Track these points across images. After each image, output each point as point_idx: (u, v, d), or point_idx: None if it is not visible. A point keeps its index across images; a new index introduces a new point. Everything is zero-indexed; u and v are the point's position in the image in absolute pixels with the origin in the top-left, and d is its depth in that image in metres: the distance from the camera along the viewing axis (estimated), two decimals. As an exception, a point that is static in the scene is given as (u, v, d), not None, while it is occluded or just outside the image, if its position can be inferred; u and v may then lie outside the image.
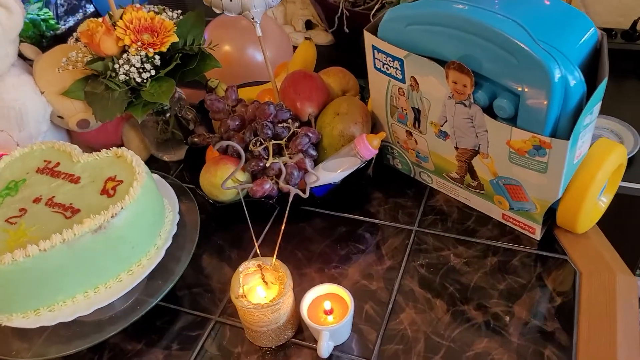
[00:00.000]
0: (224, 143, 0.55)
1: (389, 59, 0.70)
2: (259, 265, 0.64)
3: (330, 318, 0.64)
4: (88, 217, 0.61)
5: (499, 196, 0.72)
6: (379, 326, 0.66)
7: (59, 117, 0.88)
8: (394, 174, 0.86)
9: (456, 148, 0.72)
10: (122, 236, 0.62)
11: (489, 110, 0.64)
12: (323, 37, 1.23)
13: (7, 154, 0.73)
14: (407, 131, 0.77)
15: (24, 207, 0.65)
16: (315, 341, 0.66)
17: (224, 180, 0.57)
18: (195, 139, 0.83)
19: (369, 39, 0.71)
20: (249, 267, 0.64)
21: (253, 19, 0.76)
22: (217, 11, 0.77)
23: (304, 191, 0.57)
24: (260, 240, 0.79)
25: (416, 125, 0.74)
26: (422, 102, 0.71)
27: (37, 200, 0.65)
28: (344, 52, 1.17)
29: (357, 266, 0.74)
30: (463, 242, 0.74)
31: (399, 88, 0.72)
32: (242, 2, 0.72)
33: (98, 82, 0.83)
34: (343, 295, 0.64)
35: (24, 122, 0.80)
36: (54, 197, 0.65)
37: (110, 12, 0.80)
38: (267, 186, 0.73)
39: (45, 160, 0.71)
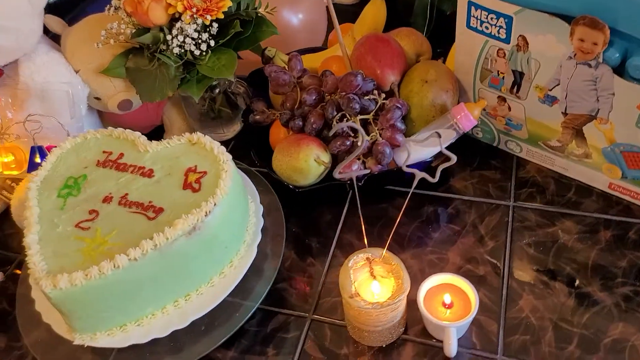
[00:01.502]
0: (342, 125, 0.47)
1: (491, 16, 0.62)
2: (367, 259, 0.57)
3: (448, 312, 0.58)
4: (176, 216, 0.52)
5: (610, 164, 0.66)
6: (498, 315, 0.60)
7: (96, 98, 0.78)
8: (470, 143, 0.78)
9: (564, 114, 0.65)
10: (215, 236, 0.54)
11: (616, 71, 0.57)
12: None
13: (55, 146, 0.63)
14: (499, 97, 0.69)
15: (93, 208, 0.56)
16: (427, 336, 0.60)
17: (337, 168, 0.49)
18: (258, 117, 0.74)
19: (465, -7, 0.62)
20: (357, 261, 0.57)
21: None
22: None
23: (432, 175, 0.50)
24: (340, 225, 0.72)
25: (514, 90, 0.67)
26: (529, 64, 0.63)
27: (107, 200, 0.56)
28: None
29: (456, 249, 0.67)
30: (569, 215, 0.68)
31: (499, 49, 0.64)
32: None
33: (142, 56, 0.73)
34: (462, 285, 0.58)
35: (75, 105, 0.69)
36: (127, 194, 0.56)
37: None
38: (355, 167, 0.65)
39: (104, 152, 0.61)
